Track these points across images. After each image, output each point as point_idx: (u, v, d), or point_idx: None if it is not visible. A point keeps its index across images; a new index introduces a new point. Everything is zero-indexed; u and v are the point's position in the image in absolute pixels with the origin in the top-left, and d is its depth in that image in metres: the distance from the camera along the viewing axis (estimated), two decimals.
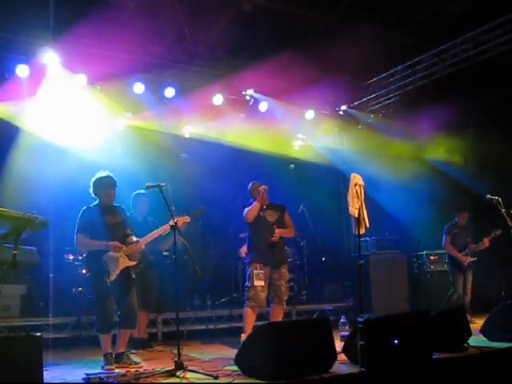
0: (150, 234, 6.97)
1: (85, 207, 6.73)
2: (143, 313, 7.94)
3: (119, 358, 6.57)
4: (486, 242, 9.87)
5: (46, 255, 9.01)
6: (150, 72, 9.80)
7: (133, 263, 6.72)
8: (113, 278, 6.49)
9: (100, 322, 6.60)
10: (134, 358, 6.82)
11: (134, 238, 6.82)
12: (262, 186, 7.76)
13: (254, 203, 7.76)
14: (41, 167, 8.91)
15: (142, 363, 6.67)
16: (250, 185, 8.00)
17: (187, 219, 6.97)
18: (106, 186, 6.79)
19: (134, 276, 6.75)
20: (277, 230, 7.68)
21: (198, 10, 9.53)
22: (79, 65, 9.11)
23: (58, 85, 9.09)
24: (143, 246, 6.94)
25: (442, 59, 10.01)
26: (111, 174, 6.85)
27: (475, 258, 9.98)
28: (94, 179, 6.81)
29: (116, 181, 6.85)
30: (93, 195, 6.82)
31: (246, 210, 7.81)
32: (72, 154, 9.13)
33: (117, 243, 6.60)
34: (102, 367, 6.41)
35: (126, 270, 6.64)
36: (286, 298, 7.78)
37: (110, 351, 6.56)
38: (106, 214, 6.73)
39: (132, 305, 6.66)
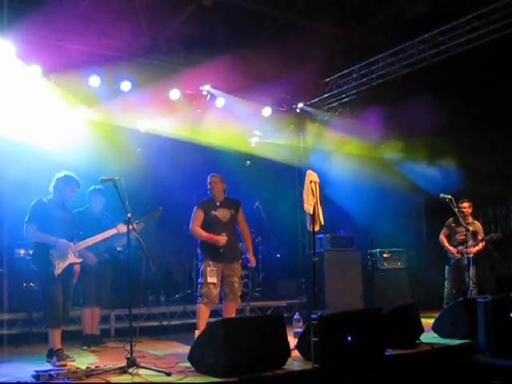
0: (95, 236, 7.19)
1: (37, 199, 6.74)
2: (96, 309, 7.85)
3: (52, 354, 6.52)
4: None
5: None
6: (105, 65, 9.65)
7: (78, 260, 6.89)
8: (59, 271, 6.54)
9: (49, 317, 6.56)
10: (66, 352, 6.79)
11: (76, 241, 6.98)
12: (220, 241, 7.51)
13: (205, 236, 7.56)
14: None
15: (74, 356, 6.65)
16: (209, 178, 7.86)
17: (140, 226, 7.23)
18: (70, 186, 6.91)
19: (78, 270, 6.92)
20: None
21: (156, 2, 9.44)
22: (33, 55, 8.91)
23: (10, 75, 8.88)
24: (86, 245, 7.13)
25: (399, 59, 10.12)
26: (76, 177, 6.97)
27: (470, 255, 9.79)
28: (61, 175, 6.89)
29: (80, 185, 7.01)
30: (50, 189, 6.86)
31: (196, 230, 7.62)
32: (25, 147, 8.94)
33: (66, 241, 6.69)
34: (54, 364, 6.31)
35: (70, 267, 6.75)
36: (239, 294, 7.75)
37: (61, 347, 6.48)
38: (59, 210, 6.82)
39: (67, 303, 6.74)
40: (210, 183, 7.77)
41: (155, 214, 7.61)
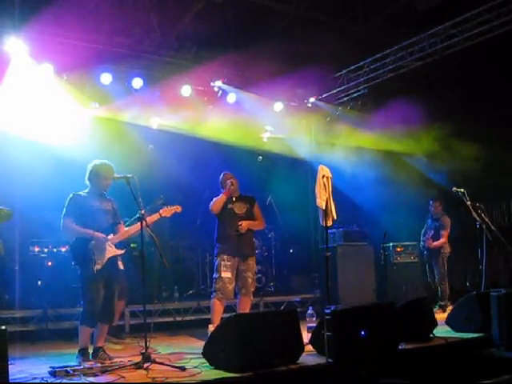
0: (133, 226, 6.68)
1: (72, 194, 6.46)
2: (119, 301, 7.80)
3: (96, 353, 6.34)
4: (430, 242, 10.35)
5: (11, 247, 8.89)
6: (117, 62, 9.70)
7: (120, 252, 6.52)
8: (99, 266, 6.26)
9: (86, 315, 6.31)
10: (110, 353, 6.65)
11: (123, 228, 6.66)
12: (230, 180, 7.72)
13: (220, 195, 7.74)
14: (4, 158, 8.75)
15: (117, 359, 6.43)
16: (222, 175, 7.94)
17: (178, 208, 6.92)
18: (105, 173, 6.57)
19: (122, 267, 6.55)
20: (244, 222, 7.65)
21: None
22: (45, 54, 8.96)
23: (23, 74, 8.93)
24: (125, 237, 6.68)
25: (410, 53, 10.09)
26: (108, 163, 6.64)
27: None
28: (93, 164, 6.57)
29: (113, 170, 6.62)
30: (86, 182, 6.57)
31: (213, 200, 7.79)
32: (37, 145, 8.99)
33: (101, 234, 6.35)
34: (80, 363, 6.08)
35: (113, 259, 6.43)
36: (253, 290, 7.77)
37: (85, 346, 6.32)
38: (97, 200, 6.52)
39: (112, 298, 6.42)
40: (228, 180, 7.78)
41: (157, 202, 7.50)
